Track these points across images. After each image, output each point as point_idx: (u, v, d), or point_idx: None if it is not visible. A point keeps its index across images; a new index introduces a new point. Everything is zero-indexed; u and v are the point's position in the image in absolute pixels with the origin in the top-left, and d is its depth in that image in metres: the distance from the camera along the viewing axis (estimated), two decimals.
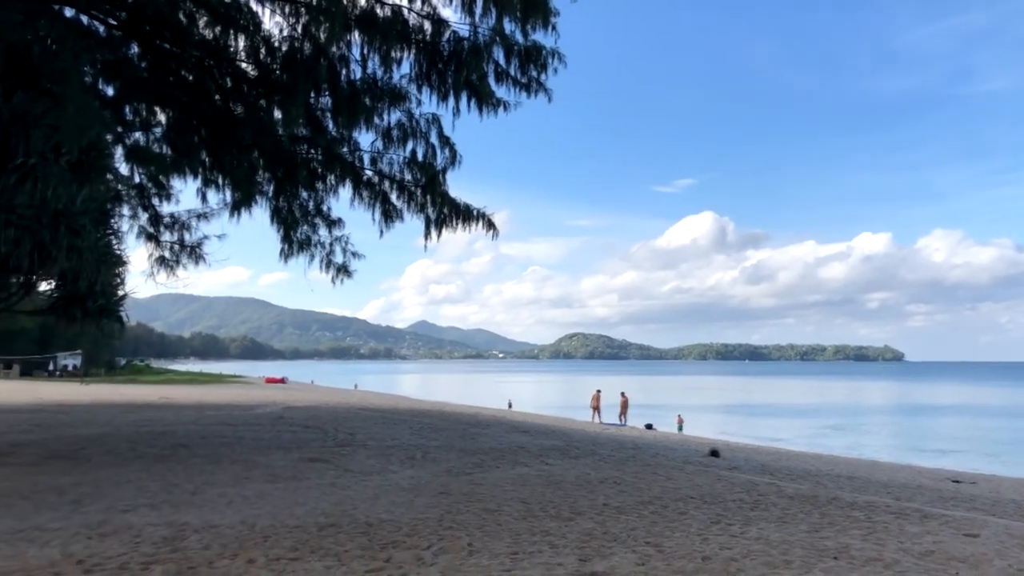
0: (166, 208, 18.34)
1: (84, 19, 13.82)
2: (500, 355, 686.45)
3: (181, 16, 14.17)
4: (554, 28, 13.54)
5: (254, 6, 14.33)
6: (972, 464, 26.54)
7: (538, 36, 13.84)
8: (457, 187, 16.45)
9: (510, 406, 49.16)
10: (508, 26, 13.54)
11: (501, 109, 14.52)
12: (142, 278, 18.73)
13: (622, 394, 40.92)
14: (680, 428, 37.32)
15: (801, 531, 7.78)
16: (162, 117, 16.37)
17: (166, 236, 18.35)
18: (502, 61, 14.12)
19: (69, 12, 13.41)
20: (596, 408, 38.87)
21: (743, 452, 21.08)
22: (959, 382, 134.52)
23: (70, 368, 66.87)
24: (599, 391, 40.72)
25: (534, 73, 14.26)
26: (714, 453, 17.14)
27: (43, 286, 13.69)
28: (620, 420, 37.94)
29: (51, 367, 65.24)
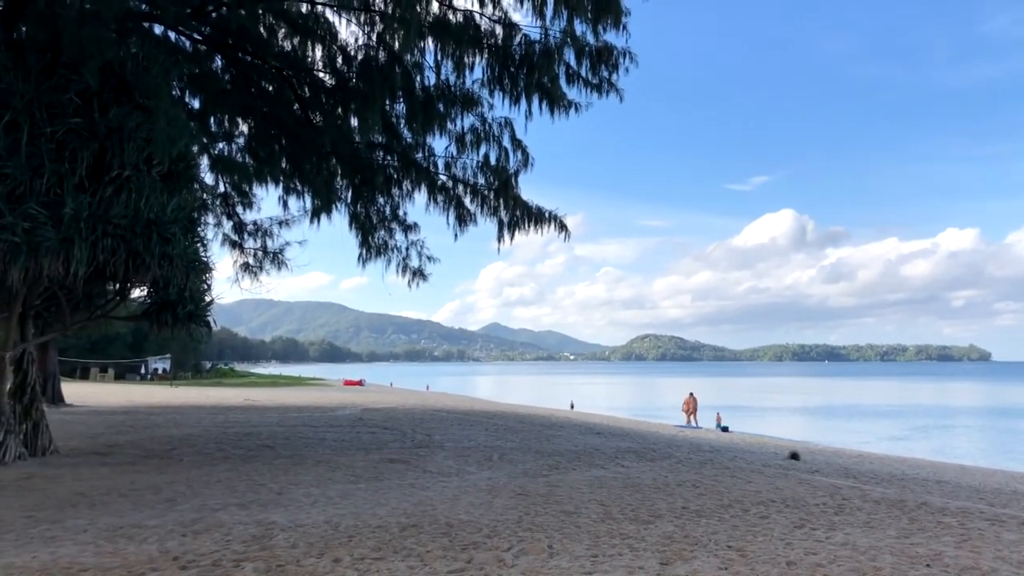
0: (249, 216, 18.98)
1: (171, 35, 14.40)
2: (571, 357, 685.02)
3: (261, 29, 14.64)
4: (625, 28, 13.44)
5: (331, 16, 14.70)
6: None
7: (609, 36, 13.76)
8: (529, 190, 16.52)
9: (572, 407, 48.96)
10: (579, 27, 13.50)
11: (572, 110, 14.49)
12: (227, 284, 19.42)
13: (691, 395, 40.11)
14: (719, 426, 36.15)
15: (890, 537, 7.52)
16: (244, 127, 16.92)
17: (249, 243, 18.98)
18: (573, 63, 14.09)
19: (158, 29, 13.99)
20: (691, 412, 37.84)
21: (824, 455, 20.48)
22: None
23: (160, 371, 69.74)
24: (692, 394, 39.52)
25: (605, 74, 14.18)
26: (794, 456, 16.70)
27: (136, 293, 14.34)
28: (691, 422, 37.27)
29: (143, 370, 68.10)
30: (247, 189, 18.25)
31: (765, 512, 8.81)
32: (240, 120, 16.68)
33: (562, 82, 14.24)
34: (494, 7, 13.81)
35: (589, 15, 13.17)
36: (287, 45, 15.11)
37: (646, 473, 12.12)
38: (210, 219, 18.02)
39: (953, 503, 10.32)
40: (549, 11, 13.24)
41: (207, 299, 14.36)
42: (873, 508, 9.36)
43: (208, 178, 17.62)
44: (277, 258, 18.93)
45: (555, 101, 14.32)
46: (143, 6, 12.86)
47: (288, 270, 19.11)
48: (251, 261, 18.93)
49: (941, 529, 8.07)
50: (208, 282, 14.24)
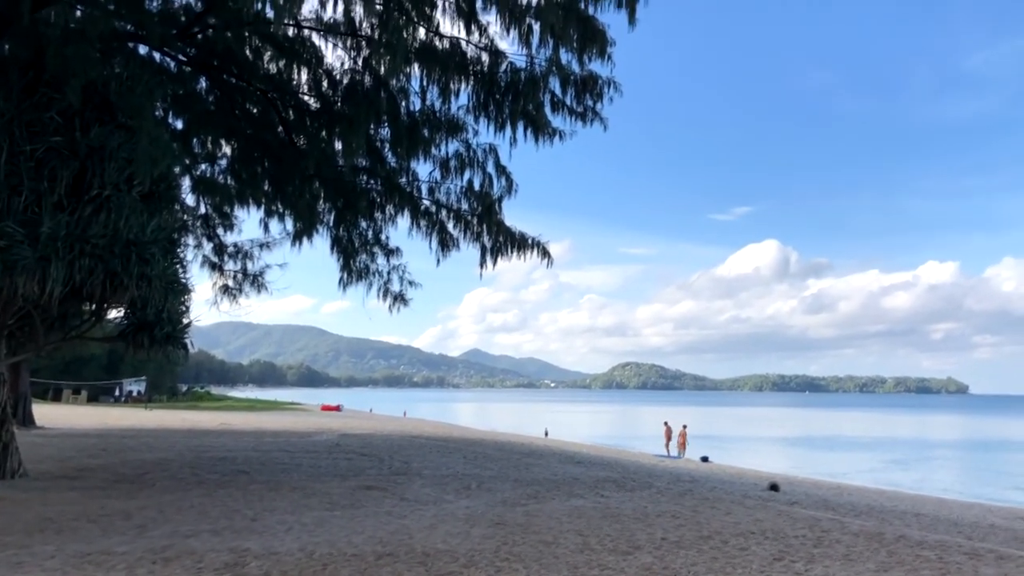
0: (230, 237, 18.84)
1: (156, 56, 14.36)
2: (551, 384, 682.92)
3: (247, 51, 14.64)
4: (610, 58, 13.57)
5: (317, 40, 14.73)
6: None
7: (594, 66, 13.89)
8: (514, 215, 16.49)
9: (546, 434, 48.71)
10: (564, 56, 13.62)
11: (557, 138, 14.59)
12: (206, 306, 19.24)
13: (665, 423, 39.92)
14: (680, 453, 35.97)
15: (869, 570, 7.49)
16: (227, 149, 16.85)
17: (229, 265, 18.82)
18: (558, 91, 14.20)
19: (143, 49, 13.96)
20: (682, 444, 37.32)
21: (803, 486, 20.48)
22: None
23: (135, 394, 68.71)
24: (685, 426, 38.20)
25: (590, 102, 14.29)
26: (773, 487, 16.67)
27: (112, 313, 14.16)
28: (667, 451, 37.12)
29: (117, 393, 67.12)
30: (228, 211, 18.14)
31: (744, 544, 8.75)
32: (223, 141, 16.61)
33: (547, 110, 14.34)
34: (480, 35, 13.92)
35: (575, 44, 13.29)
36: (272, 68, 15.11)
37: (626, 503, 12.04)
38: (190, 240, 17.90)
39: (931, 536, 10.31)
40: (535, 40, 13.34)
41: (185, 321, 14.22)
42: (852, 541, 9.33)
43: (189, 199, 17.51)
44: (257, 281, 18.79)
45: (540, 128, 14.40)
46: (128, 26, 12.81)
47: (268, 293, 18.99)
48: (231, 283, 18.78)
49: (920, 562, 8.05)
50: (186, 304, 14.12)
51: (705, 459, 34.64)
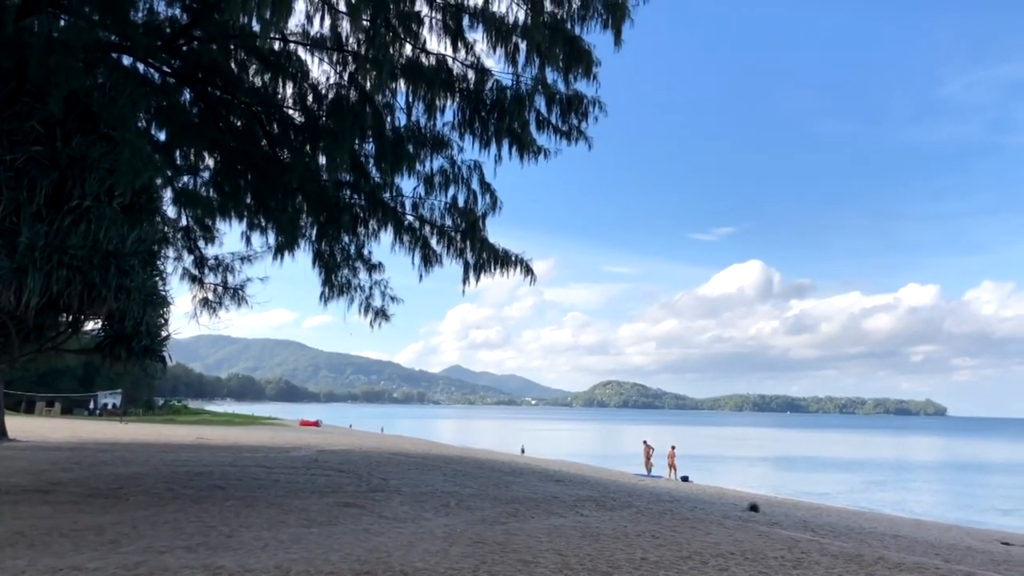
0: (210, 250, 18.68)
1: (140, 67, 14.30)
2: (533, 402, 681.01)
3: (232, 64, 14.62)
4: (595, 77, 13.69)
5: (303, 54, 14.73)
6: (1021, 526, 25.43)
7: (580, 85, 14.00)
8: (499, 233, 16.53)
9: (523, 451, 48.69)
10: (550, 75, 13.72)
11: (542, 156, 14.66)
12: (185, 319, 19.00)
13: (644, 443, 40.05)
14: (649, 472, 36.56)
15: None
16: (210, 161, 16.76)
17: (210, 278, 18.65)
18: (543, 109, 14.28)
19: (127, 60, 13.89)
20: (671, 465, 37.34)
21: (783, 507, 20.52)
22: (1006, 439, 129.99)
23: (110, 407, 67.84)
24: (673, 447, 38.65)
25: (575, 121, 14.39)
26: (753, 508, 16.70)
27: (89, 325, 13.98)
28: (647, 471, 37.20)
29: (92, 405, 66.22)
30: (210, 223, 18.00)
31: (724, 564, 8.74)
32: (206, 154, 16.53)
33: (532, 128, 14.41)
34: (467, 52, 13.99)
35: (561, 64, 13.39)
36: (258, 81, 15.08)
37: (605, 523, 12.00)
38: (170, 253, 17.73)
39: (909, 558, 10.36)
40: (521, 58, 13.45)
41: (163, 334, 14.06)
42: (831, 562, 9.34)
43: (171, 211, 17.37)
44: (238, 294, 18.62)
45: (525, 146, 14.47)
46: (113, 37, 12.76)
47: (248, 306, 18.81)
48: (211, 296, 18.59)
49: None
50: (165, 317, 13.95)
51: (685, 479, 34.73)
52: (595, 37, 13.33)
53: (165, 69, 14.68)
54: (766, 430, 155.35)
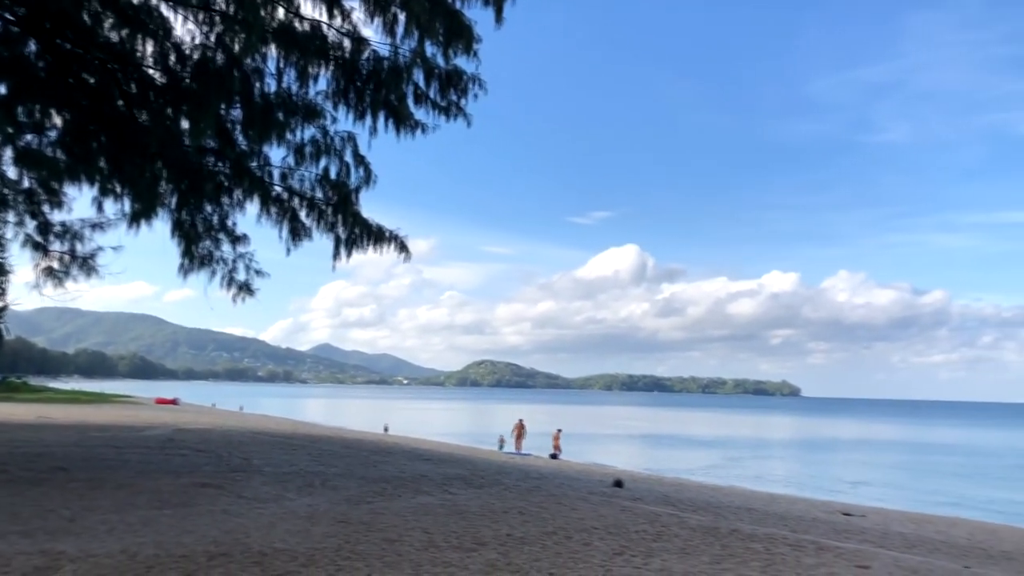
0: (57, 216, 17.30)
1: None
2: (404, 381, 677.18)
3: (86, 16, 13.51)
4: (476, 54, 13.57)
5: (165, 11, 13.81)
6: (862, 497, 27.61)
7: (460, 61, 13.85)
8: (380, 211, 16.12)
9: (386, 430, 48.59)
10: (429, 49, 13.48)
11: (419, 131, 14.43)
12: (25, 289, 17.57)
13: (520, 421, 40.89)
14: (501, 447, 37.85)
15: (703, 563, 7.87)
16: (58, 120, 15.49)
17: (56, 246, 17.29)
18: (422, 83, 14.03)
19: None
20: (556, 446, 37.94)
21: (646, 483, 21.34)
22: (853, 417, 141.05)
23: None
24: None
25: (454, 97, 14.22)
26: (618, 483, 17.26)
27: None
28: (519, 449, 37.90)
29: None
30: (57, 187, 16.66)
31: (587, 539, 8.97)
32: (54, 112, 15.25)
33: (410, 101, 14.14)
34: (343, 19, 13.53)
35: (440, 38, 13.19)
36: (114, 36, 14.02)
37: (473, 500, 12.07)
38: (10, 217, 16.32)
39: (761, 530, 10.99)
40: (400, 30, 13.14)
41: (1, 305, 12.96)
42: (689, 535, 9.78)
43: (11, 172, 15.96)
44: (87, 264, 17.37)
45: (402, 120, 14.19)
46: None
47: (100, 277, 17.58)
48: (56, 265, 17.25)
49: (749, 555, 8.55)
50: (3, 286, 12.87)
51: (554, 456, 35.53)
52: (477, 13, 13.20)
53: (8, 17, 13.42)
54: (633, 408, 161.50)
